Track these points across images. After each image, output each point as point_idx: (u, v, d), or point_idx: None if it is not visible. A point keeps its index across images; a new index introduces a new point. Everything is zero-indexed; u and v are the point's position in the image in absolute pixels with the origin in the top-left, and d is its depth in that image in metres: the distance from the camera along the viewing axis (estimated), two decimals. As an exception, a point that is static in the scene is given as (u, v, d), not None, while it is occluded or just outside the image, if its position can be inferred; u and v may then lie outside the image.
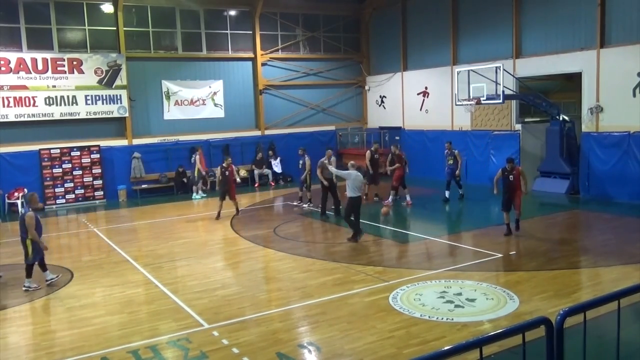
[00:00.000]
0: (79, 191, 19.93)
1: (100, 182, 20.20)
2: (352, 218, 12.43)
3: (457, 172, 16.85)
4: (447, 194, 16.84)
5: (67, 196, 19.73)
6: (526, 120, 20.18)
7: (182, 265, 11.47)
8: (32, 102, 19.10)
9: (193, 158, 20.73)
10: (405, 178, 16.60)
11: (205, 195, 20.34)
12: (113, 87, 20.34)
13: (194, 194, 20.35)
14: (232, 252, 12.39)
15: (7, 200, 18.52)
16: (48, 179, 19.42)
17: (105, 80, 20.22)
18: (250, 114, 23.76)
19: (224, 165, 15.99)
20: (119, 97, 20.48)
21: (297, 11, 24.40)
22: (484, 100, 17.11)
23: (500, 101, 16.94)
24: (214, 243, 13.33)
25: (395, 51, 24.15)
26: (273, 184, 22.65)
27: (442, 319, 7.66)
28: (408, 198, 16.53)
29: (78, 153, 19.80)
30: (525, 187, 12.16)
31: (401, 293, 8.76)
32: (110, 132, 20.84)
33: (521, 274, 9.68)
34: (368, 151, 17.57)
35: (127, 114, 20.73)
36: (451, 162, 16.83)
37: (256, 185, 22.44)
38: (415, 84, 23.26)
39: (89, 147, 19.97)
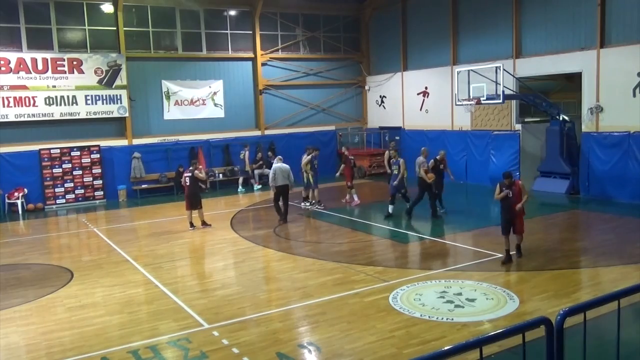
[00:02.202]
0: (79, 191, 19.94)
1: (100, 182, 20.20)
2: (281, 203, 14.73)
3: (401, 182, 14.82)
4: (390, 208, 14.89)
5: (67, 196, 19.72)
6: (526, 120, 20.17)
7: (182, 265, 11.48)
8: (32, 102, 19.10)
9: (242, 154, 21.48)
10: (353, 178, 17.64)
11: (259, 187, 21.46)
12: (113, 87, 20.35)
13: (240, 187, 21.28)
14: (232, 252, 12.37)
15: (7, 200, 18.55)
16: (48, 179, 19.41)
17: (105, 80, 20.22)
18: (250, 114, 23.77)
19: (191, 168, 14.60)
20: (119, 97, 20.48)
21: (297, 11, 24.40)
22: (484, 100, 17.10)
23: (500, 101, 16.93)
24: (214, 243, 13.32)
25: (395, 51, 24.15)
26: (273, 184, 22.61)
27: (442, 319, 7.66)
28: (356, 198, 17.27)
29: (78, 153, 19.80)
30: (523, 204, 10.21)
31: (401, 293, 8.76)
32: (110, 132, 20.84)
33: (521, 274, 9.68)
34: (386, 152, 17.61)
35: (127, 114, 20.73)
36: (396, 171, 14.99)
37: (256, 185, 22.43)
38: (415, 84, 23.26)
39: (89, 147, 19.97)
